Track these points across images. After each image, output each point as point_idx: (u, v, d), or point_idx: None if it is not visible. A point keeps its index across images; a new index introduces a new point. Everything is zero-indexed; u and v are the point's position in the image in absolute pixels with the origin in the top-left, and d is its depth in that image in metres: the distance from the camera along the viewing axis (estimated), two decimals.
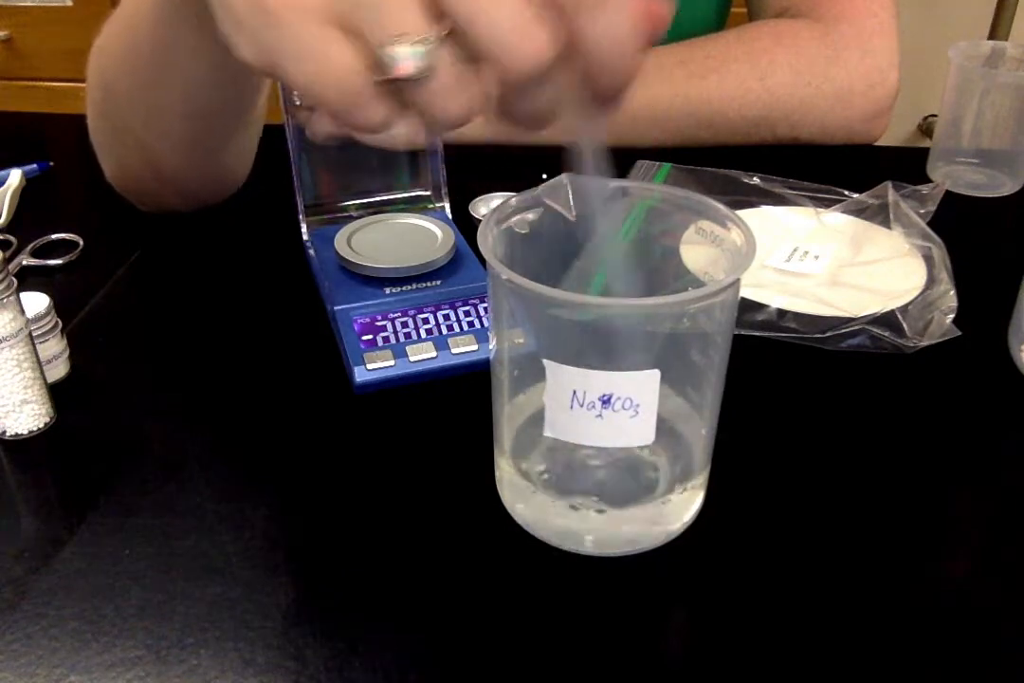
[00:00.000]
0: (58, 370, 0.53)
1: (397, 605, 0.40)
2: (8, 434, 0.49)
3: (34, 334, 0.49)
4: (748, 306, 0.58)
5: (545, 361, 0.37)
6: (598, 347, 0.38)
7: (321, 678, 0.37)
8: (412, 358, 0.53)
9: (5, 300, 0.46)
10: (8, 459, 0.49)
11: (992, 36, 1.73)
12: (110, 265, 0.65)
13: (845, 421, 0.51)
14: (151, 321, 0.61)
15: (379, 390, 0.52)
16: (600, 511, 0.42)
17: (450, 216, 0.63)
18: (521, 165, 0.63)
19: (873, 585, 0.41)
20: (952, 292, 0.58)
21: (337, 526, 0.44)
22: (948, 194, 0.71)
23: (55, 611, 0.40)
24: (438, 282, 0.56)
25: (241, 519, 0.45)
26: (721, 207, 0.39)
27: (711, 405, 0.41)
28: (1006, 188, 0.75)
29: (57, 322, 0.52)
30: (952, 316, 0.56)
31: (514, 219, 0.40)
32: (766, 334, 0.56)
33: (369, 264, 0.56)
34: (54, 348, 0.52)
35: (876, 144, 0.82)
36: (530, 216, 0.40)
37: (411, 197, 0.64)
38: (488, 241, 0.37)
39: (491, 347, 0.42)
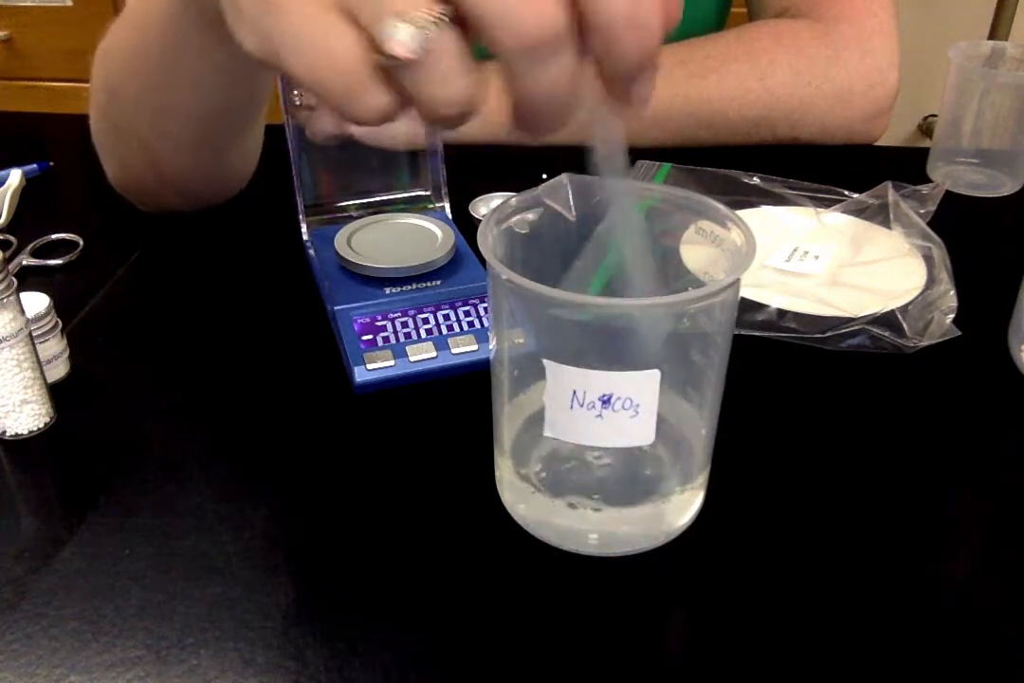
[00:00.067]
0: (58, 370, 0.53)
1: (397, 605, 0.40)
2: (8, 434, 0.49)
3: (34, 334, 0.49)
4: (748, 306, 0.58)
5: (545, 361, 0.37)
6: (598, 347, 0.38)
7: (321, 678, 0.37)
8: (412, 358, 0.53)
9: (5, 300, 0.46)
10: (8, 459, 0.49)
11: (992, 36, 1.73)
12: (110, 265, 0.65)
13: (845, 421, 0.51)
14: (151, 321, 0.61)
15: (379, 390, 0.52)
16: (600, 511, 0.42)
17: (450, 216, 0.63)
18: (521, 165, 0.63)
19: (873, 585, 0.41)
20: (952, 292, 0.58)
21: (337, 526, 0.44)
22: (948, 194, 0.71)
23: (55, 611, 0.40)
24: (438, 282, 0.56)
25: (241, 519, 0.45)
26: (721, 207, 0.39)
27: (711, 405, 0.41)
28: (1006, 188, 0.75)
29: (57, 322, 0.52)
30: (952, 316, 0.56)
31: (514, 219, 0.40)
32: (766, 334, 0.56)
33: (369, 264, 0.56)
34: (54, 348, 0.52)
35: (876, 144, 0.82)
36: (530, 216, 0.40)
37: (411, 197, 0.64)
38: (488, 241, 0.37)
39: (491, 347, 0.42)
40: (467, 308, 0.55)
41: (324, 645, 0.39)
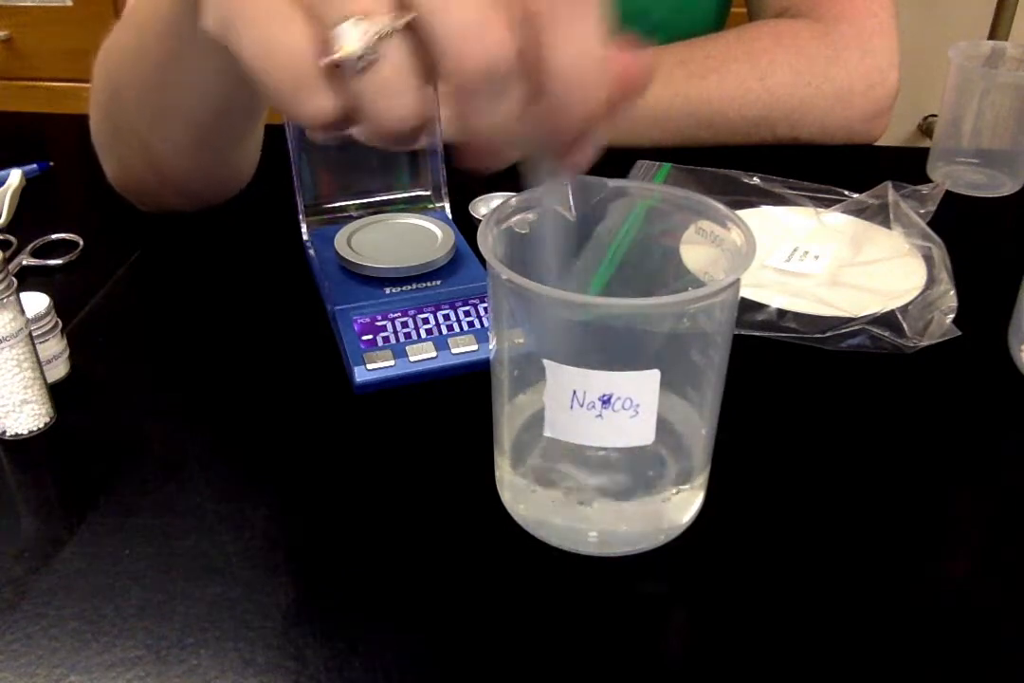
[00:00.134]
0: (58, 370, 0.53)
1: (397, 605, 0.40)
2: (8, 434, 0.49)
3: (34, 334, 0.49)
4: (748, 306, 0.58)
5: (545, 361, 0.37)
6: (598, 347, 0.38)
7: (321, 678, 0.37)
8: (412, 358, 0.53)
9: (5, 300, 0.46)
10: (8, 459, 0.49)
11: (992, 36, 1.73)
12: (110, 265, 0.65)
13: (845, 421, 0.51)
14: (151, 321, 0.61)
15: (379, 390, 0.52)
16: (600, 511, 0.42)
17: (450, 216, 0.63)
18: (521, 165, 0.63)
19: (873, 585, 0.41)
20: (952, 292, 0.58)
21: (337, 526, 0.44)
22: (948, 194, 0.71)
23: (55, 611, 0.40)
24: (438, 282, 0.56)
25: (241, 519, 0.45)
26: (721, 207, 0.39)
27: (711, 405, 0.41)
28: (1006, 188, 0.75)
29: (57, 322, 0.52)
30: (952, 316, 0.56)
31: (514, 219, 0.40)
32: (766, 334, 0.56)
33: (369, 264, 0.56)
34: (54, 348, 0.52)
35: (876, 144, 0.82)
36: (530, 216, 0.40)
37: (411, 197, 0.64)
38: (488, 241, 0.37)
39: (491, 347, 0.42)
40: (467, 308, 0.55)
41: (324, 645, 0.39)
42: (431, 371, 0.53)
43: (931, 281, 0.60)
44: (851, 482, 0.47)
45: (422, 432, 0.50)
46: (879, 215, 0.67)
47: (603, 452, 0.42)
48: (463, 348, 0.53)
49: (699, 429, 0.42)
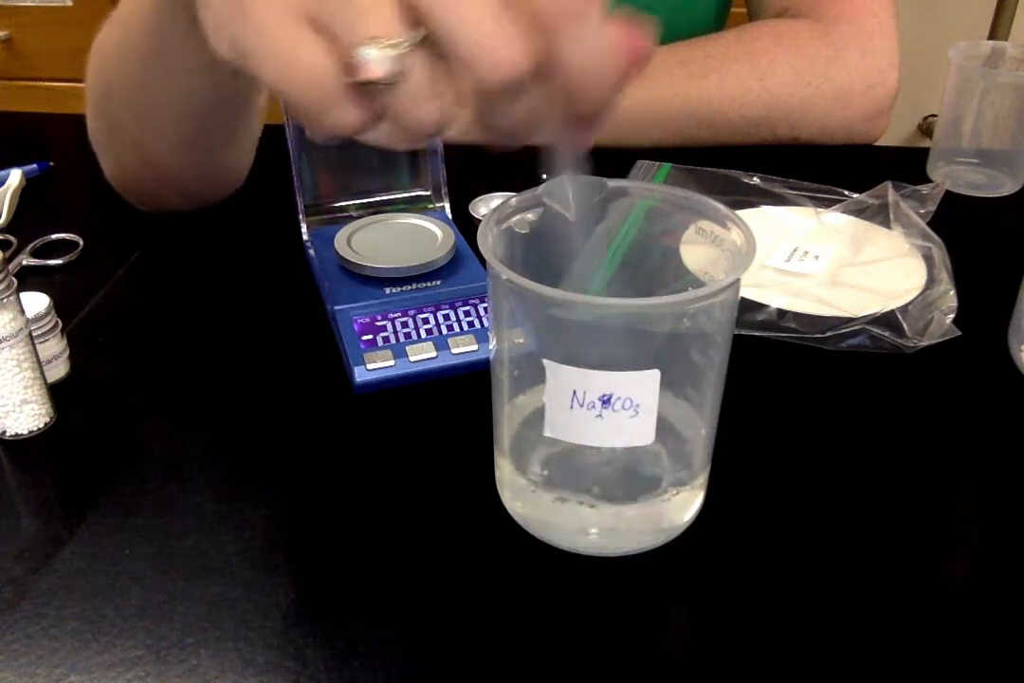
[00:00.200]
0: (58, 370, 0.53)
1: (397, 605, 0.40)
2: (8, 434, 0.49)
3: (34, 334, 0.49)
4: (748, 306, 0.58)
5: (545, 361, 0.37)
6: (598, 347, 0.38)
7: (321, 678, 0.37)
8: (412, 358, 0.53)
9: (5, 300, 0.46)
10: (8, 459, 0.49)
11: (992, 36, 1.73)
12: (110, 265, 0.65)
13: (845, 421, 0.51)
14: (151, 321, 0.61)
15: (379, 390, 0.52)
16: (600, 511, 0.42)
17: (450, 216, 0.63)
18: (521, 165, 0.63)
19: (873, 585, 0.41)
20: (952, 292, 0.58)
21: (337, 526, 0.44)
22: (948, 194, 0.71)
23: (55, 611, 0.40)
24: (438, 282, 0.56)
25: (241, 519, 0.45)
26: (721, 207, 0.39)
27: (711, 405, 0.41)
28: (1006, 188, 0.75)
29: (57, 322, 0.52)
30: (952, 316, 0.56)
31: (514, 219, 0.40)
32: (766, 334, 0.56)
33: (369, 264, 0.56)
34: (54, 348, 0.52)
35: (876, 144, 0.82)
36: (530, 216, 0.40)
37: (411, 197, 0.64)
38: (488, 241, 0.37)
39: (491, 347, 0.42)
40: (467, 308, 0.55)
41: (324, 645, 0.39)
42: (431, 371, 0.53)
43: (931, 281, 0.60)
44: (851, 482, 0.47)
45: (422, 432, 0.50)
46: (879, 215, 0.67)
47: (603, 452, 0.42)
48: (463, 348, 0.53)
49: (699, 429, 0.42)
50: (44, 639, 0.39)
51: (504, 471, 0.44)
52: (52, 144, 0.86)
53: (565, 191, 0.38)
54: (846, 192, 0.69)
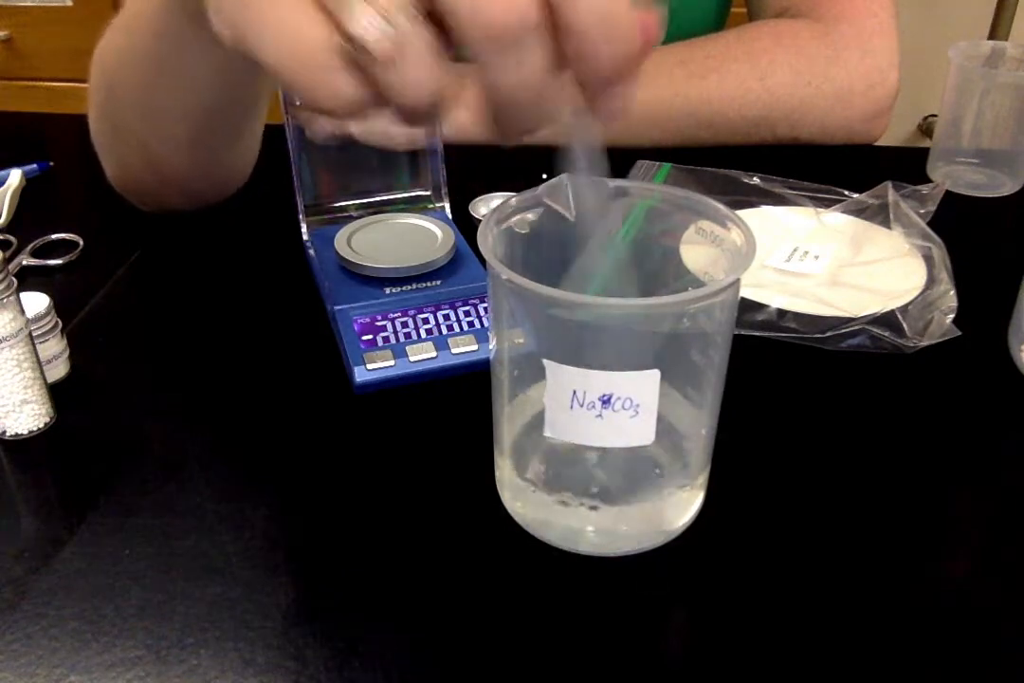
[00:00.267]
0: (58, 370, 0.53)
1: (397, 605, 0.40)
2: (8, 434, 0.49)
3: (34, 334, 0.49)
4: (748, 306, 0.58)
5: (545, 361, 0.37)
6: (598, 347, 0.38)
7: (321, 678, 0.37)
8: (412, 358, 0.53)
9: (5, 300, 0.46)
10: (8, 459, 0.49)
11: (992, 36, 1.73)
12: (110, 265, 0.65)
13: (845, 421, 0.51)
14: (151, 321, 0.61)
15: (379, 390, 0.52)
16: (600, 511, 0.42)
17: (450, 216, 0.63)
18: (521, 165, 0.63)
19: (873, 585, 0.41)
20: (952, 292, 0.58)
21: (337, 526, 0.44)
22: (948, 194, 0.71)
23: (55, 611, 0.40)
24: (438, 282, 0.56)
25: (241, 519, 0.45)
26: (721, 207, 0.39)
27: (711, 405, 0.41)
28: (1006, 188, 0.75)
29: (57, 322, 0.52)
30: (952, 316, 0.56)
31: (514, 219, 0.40)
32: (766, 334, 0.56)
33: (369, 264, 0.56)
34: (54, 348, 0.52)
35: (876, 144, 0.82)
36: (530, 216, 0.40)
37: (411, 197, 0.64)
38: (488, 241, 0.37)
39: (491, 347, 0.42)
40: (467, 308, 0.55)
41: (324, 645, 0.39)
42: (431, 371, 0.53)
43: (931, 281, 0.60)
44: (851, 482, 0.47)
45: (422, 432, 0.50)
46: (879, 215, 0.67)
47: (603, 452, 0.42)
48: (463, 348, 0.53)
49: (699, 429, 0.42)
50: (44, 639, 0.39)
51: (504, 471, 0.44)
52: (52, 144, 0.86)
53: (565, 191, 0.38)
54: (846, 192, 0.69)
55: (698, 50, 0.78)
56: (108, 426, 0.51)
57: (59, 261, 0.65)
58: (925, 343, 0.55)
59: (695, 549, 0.43)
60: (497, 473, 0.45)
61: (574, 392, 0.37)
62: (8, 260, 0.64)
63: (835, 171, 0.75)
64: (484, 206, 0.69)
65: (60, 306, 0.53)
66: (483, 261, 0.39)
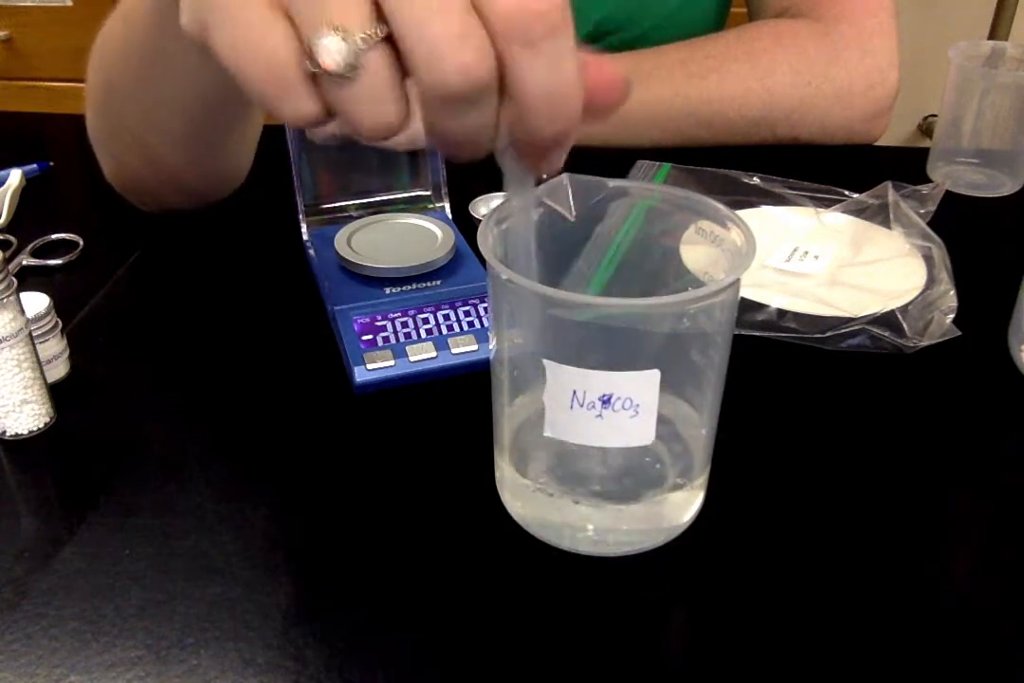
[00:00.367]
0: (58, 370, 0.53)
1: (397, 605, 0.40)
2: (8, 434, 0.49)
3: (34, 334, 0.49)
4: (748, 306, 0.58)
5: (545, 361, 0.37)
6: (598, 347, 0.38)
7: (321, 678, 0.37)
8: (412, 358, 0.53)
9: (5, 300, 0.46)
10: (8, 459, 0.49)
11: (992, 36, 1.73)
12: (110, 265, 0.65)
13: (845, 421, 0.51)
14: (151, 321, 0.61)
15: (379, 390, 0.52)
16: (600, 511, 0.42)
17: (450, 216, 0.63)
18: None
19: (873, 585, 0.42)
20: (952, 292, 0.58)
21: (337, 526, 0.44)
22: (948, 194, 0.71)
23: (55, 611, 0.40)
24: (438, 282, 0.56)
25: (241, 519, 0.45)
26: (721, 207, 0.39)
27: (711, 405, 0.41)
28: (1006, 188, 0.75)
29: (57, 322, 0.52)
30: (952, 316, 0.56)
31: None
32: (766, 334, 0.56)
33: (369, 264, 0.56)
34: (54, 348, 0.52)
35: (876, 144, 0.82)
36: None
37: (411, 197, 0.64)
38: (488, 241, 0.37)
39: (491, 347, 0.42)
40: (467, 308, 0.55)
41: (324, 645, 0.39)
42: (431, 371, 0.53)
43: (931, 281, 0.60)
44: (851, 482, 0.47)
45: (422, 432, 0.50)
46: (879, 215, 0.67)
47: (603, 452, 0.42)
48: (463, 348, 0.53)
49: (699, 429, 0.42)
50: (44, 639, 0.39)
51: (504, 471, 0.44)
52: (52, 144, 0.86)
53: (565, 191, 0.38)
54: (846, 192, 0.69)
55: (698, 50, 0.78)
56: (108, 426, 0.51)
57: (59, 261, 0.65)
58: (925, 343, 0.55)
59: (695, 549, 0.43)
60: (497, 473, 0.45)
61: (574, 392, 0.37)
62: (8, 260, 0.64)
63: (835, 171, 0.75)
64: (484, 206, 0.69)
65: (60, 306, 0.53)
66: (483, 261, 0.39)
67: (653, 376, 0.36)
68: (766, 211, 0.68)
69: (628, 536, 0.43)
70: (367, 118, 0.30)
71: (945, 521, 0.45)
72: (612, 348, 0.38)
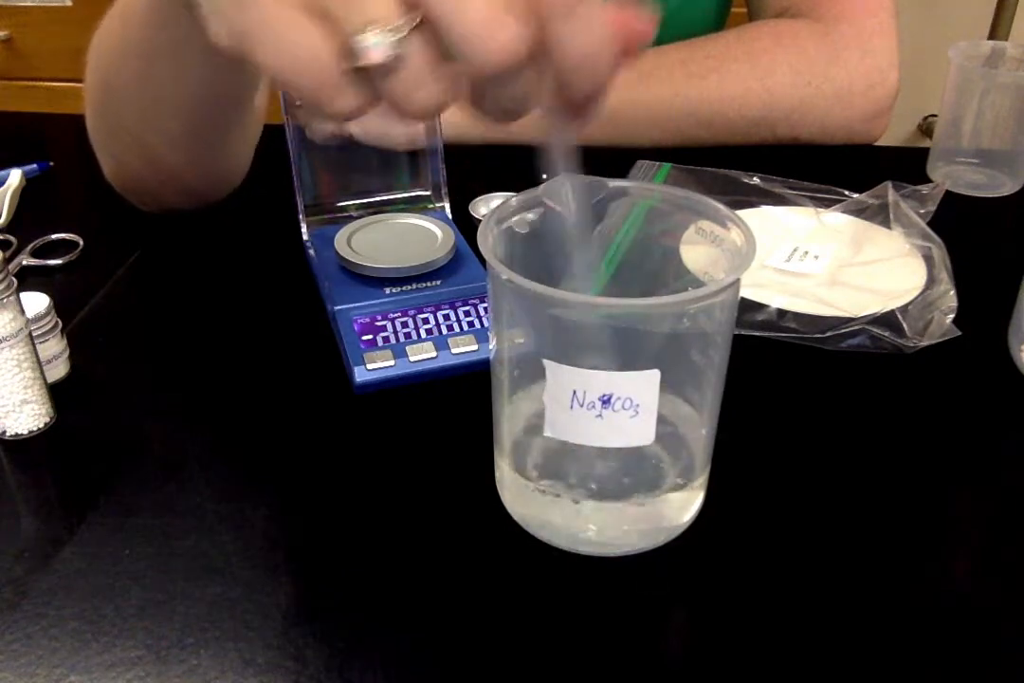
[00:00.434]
0: (58, 370, 0.53)
1: (397, 605, 0.40)
2: (8, 434, 0.49)
3: (34, 334, 0.49)
4: (748, 306, 0.58)
5: (545, 361, 0.37)
6: (598, 347, 0.38)
7: (321, 678, 0.37)
8: (412, 358, 0.53)
9: (5, 300, 0.46)
10: (8, 459, 0.49)
11: (992, 36, 1.73)
12: (110, 265, 0.65)
13: (845, 421, 0.51)
14: (151, 321, 0.61)
15: (379, 390, 0.52)
16: (600, 511, 0.42)
17: (450, 216, 0.63)
18: (521, 165, 0.63)
19: (873, 585, 0.41)
20: (952, 292, 0.58)
21: (337, 526, 0.44)
22: (948, 194, 0.71)
23: (55, 611, 0.40)
24: (438, 282, 0.56)
25: (241, 519, 0.45)
26: (721, 207, 0.39)
27: (711, 405, 0.41)
28: (1006, 188, 0.75)
29: (57, 322, 0.52)
30: (952, 316, 0.56)
31: (514, 219, 0.40)
32: (766, 334, 0.56)
33: (369, 264, 0.56)
34: (54, 348, 0.52)
35: (876, 144, 0.82)
36: (530, 216, 0.40)
37: (411, 197, 0.64)
38: (488, 241, 0.37)
39: (491, 347, 0.42)
40: (467, 308, 0.55)
41: (324, 645, 0.39)
42: (431, 371, 0.53)
43: (931, 281, 0.60)
44: (851, 482, 0.47)
45: (422, 432, 0.50)
46: (879, 215, 0.67)
47: (603, 452, 0.42)
48: (463, 348, 0.53)
49: (699, 429, 0.42)
50: (44, 639, 0.39)
51: (504, 471, 0.44)
52: (52, 144, 0.86)
53: (565, 191, 0.38)
54: (846, 192, 0.69)
55: (698, 50, 0.78)
56: (108, 426, 0.51)
57: (59, 261, 0.65)
58: (925, 343, 0.55)
59: (695, 549, 0.43)
60: (497, 473, 0.45)
61: (574, 392, 0.37)
62: (8, 260, 0.64)
63: (835, 171, 0.75)
64: (484, 206, 0.69)
65: (60, 306, 0.53)
66: (483, 261, 0.39)
67: (653, 376, 0.36)
68: (766, 211, 0.68)
69: (628, 536, 0.43)
70: (416, 102, 0.31)
71: (945, 521, 0.45)
72: (612, 348, 0.38)
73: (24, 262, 0.65)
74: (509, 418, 0.42)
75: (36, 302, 0.51)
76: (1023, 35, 1.77)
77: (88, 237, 0.67)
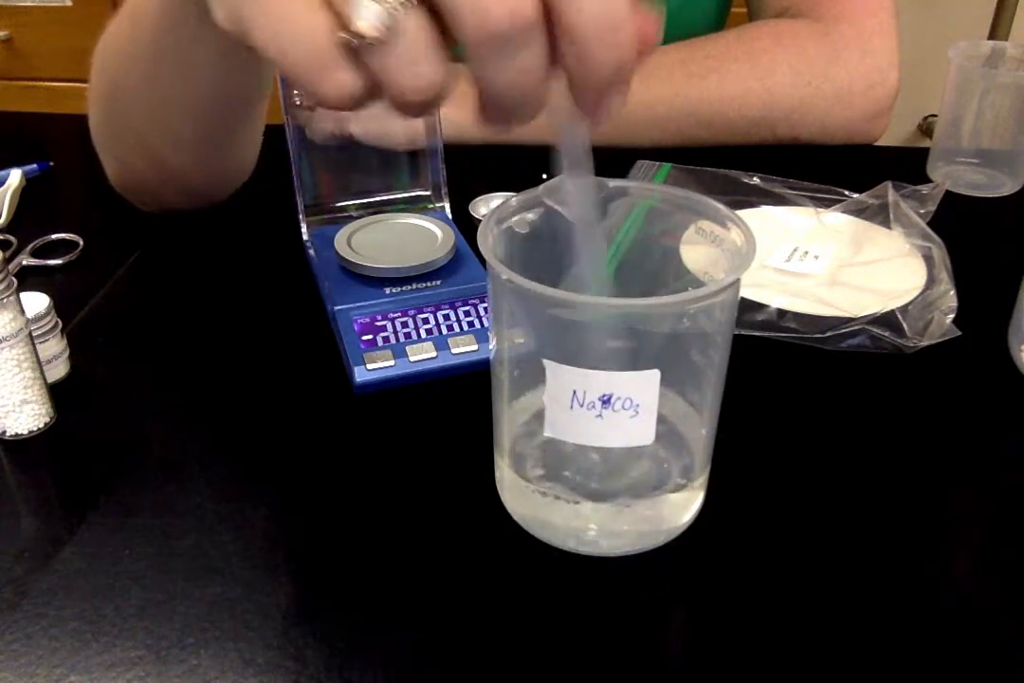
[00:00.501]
0: (58, 370, 0.53)
1: (397, 605, 0.40)
2: (8, 434, 0.49)
3: (34, 334, 0.49)
4: (748, 306, 0.58)
5: (545, 361, 0.37)
6: (598, 347, 0.38)
7: (321, 678, 0.37)
8: (412, 358, 0.53)
9: (5, 300, 0.46)
10: (8, 459, 0.49)
11: (992, 36, 1.73)
12: (110, 265, 0.65)
13: (845, 421, 0.51)
14: (151, 321, 0.61)
15: (379, 390, 0.52)
16: (600, 511, 0.42)
17: (450, 216, 0.63)
18: (521, 165, 0.63)
19: (873, 585, 0.41)
20: (952, 292, 0.58)
21: (337, 526, 0.44)
22: (948, 194, 0.71)
23: (55, 611, 0.40)
24: (438, 282, 0.56)
25: (241, 519, 0.45)
26: (721, 207, 0.39)
27: (711, 405, 0.41)
28: (1006, 188, 0.75)
29: (57, 322, 0.52)
30: (952, 316, 0.56)
31: (514, 219, 0.40)
32: (766, 334, 0.56)
33: (369, 264, 0.56)
34: (54, 348, 0.52)
35: (876, 144, 0.82)
36: (530, 216, 0.40)
37: (411, 197, 0.64)
38: (488, 241, 0.37)
39: (491, 347, 0.42)
40: (467, 308, 0.55)
41: (324, 645, 0.39)
42: (431, 371, 0.53)
43: (931, 281, 0.60)
44: (851, 482, 0.47)
45: (422, 432, 0.50)
46: (879, 215, 0.67)
47: (603, 452, 0.42)
48: (463, 348, 0.53)
49: (699, 429, 0.42)
50: (44, 639, 0.39)
51: (504, 471, 0.44)
52: (52, 144, 0.86)
53: (565, 191, 0.38)
54: (846, 192, 0.69)
55: (698, 50, 0.78)
56: (108, 426, 0.51)
57: (59, 261, 0.65)
58: (925, 343, 0.55)
59: (695, 549, 0.43)
60: (497, 473, 0.45)
61: (574, 392, 0.37)
62: (8, 260, 0.64)
63: (835, 171, 0.75)
64: (484, 206, 0.69)
65: (60, 306, 0.53)
66: (483, 261, 0.39)
67: (653, 376, 0.36)
68: (766, 211, 0.68)
69: (628, 536, 0.43)
70: (410, 81, 0.30)
71: (945, 521, 0.45)
72: (612, 348, 0.38)
73: (24, 262, 0.65)
74: (509, 418, 0.42)
75: (36, 302, 0.51)
76: (1023, 35, 1.77)
77: (88, 237, 0.67)
